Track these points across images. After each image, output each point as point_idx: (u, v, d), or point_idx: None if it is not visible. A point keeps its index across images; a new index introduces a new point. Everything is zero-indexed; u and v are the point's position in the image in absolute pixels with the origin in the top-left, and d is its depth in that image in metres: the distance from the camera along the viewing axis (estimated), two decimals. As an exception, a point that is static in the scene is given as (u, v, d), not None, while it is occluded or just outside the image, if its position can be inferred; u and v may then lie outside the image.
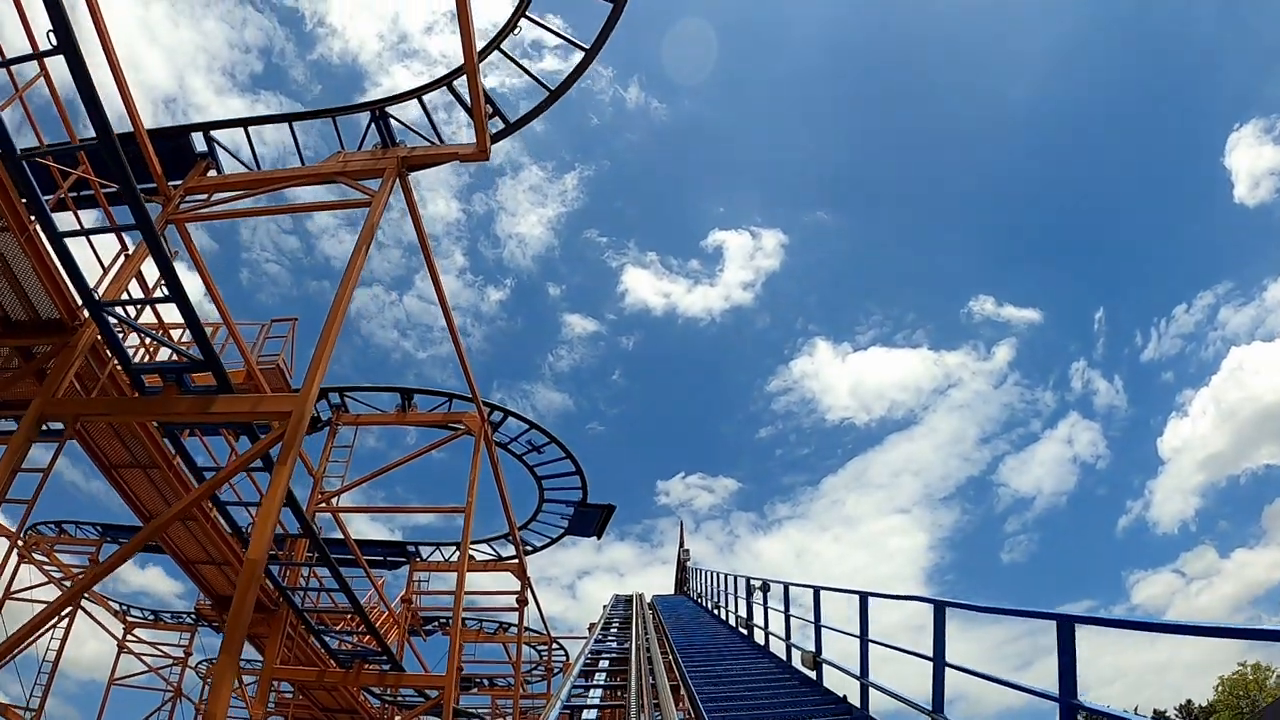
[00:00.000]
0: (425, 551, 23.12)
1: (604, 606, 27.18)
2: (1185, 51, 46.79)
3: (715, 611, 19.31)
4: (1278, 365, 40.40)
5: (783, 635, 11.31)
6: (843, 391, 51.31)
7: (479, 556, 22.74)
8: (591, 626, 25.68)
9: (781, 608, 11.63)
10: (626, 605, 25.75)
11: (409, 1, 58.92)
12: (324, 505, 16.44)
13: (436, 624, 30.22)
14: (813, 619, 9.50)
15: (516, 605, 21.65)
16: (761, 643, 12.90)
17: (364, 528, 22.02)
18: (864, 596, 7.84)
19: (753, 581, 13.94)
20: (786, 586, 11.96)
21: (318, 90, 50.36)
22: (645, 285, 52.26)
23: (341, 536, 17.47)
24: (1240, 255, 47.08)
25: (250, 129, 12.29)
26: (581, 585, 47.29)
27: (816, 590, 9.62)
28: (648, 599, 28.55)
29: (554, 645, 29.70)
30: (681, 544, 31.78)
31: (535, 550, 21.94)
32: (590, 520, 19.64)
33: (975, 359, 46.08)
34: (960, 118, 54.45)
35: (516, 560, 21.66)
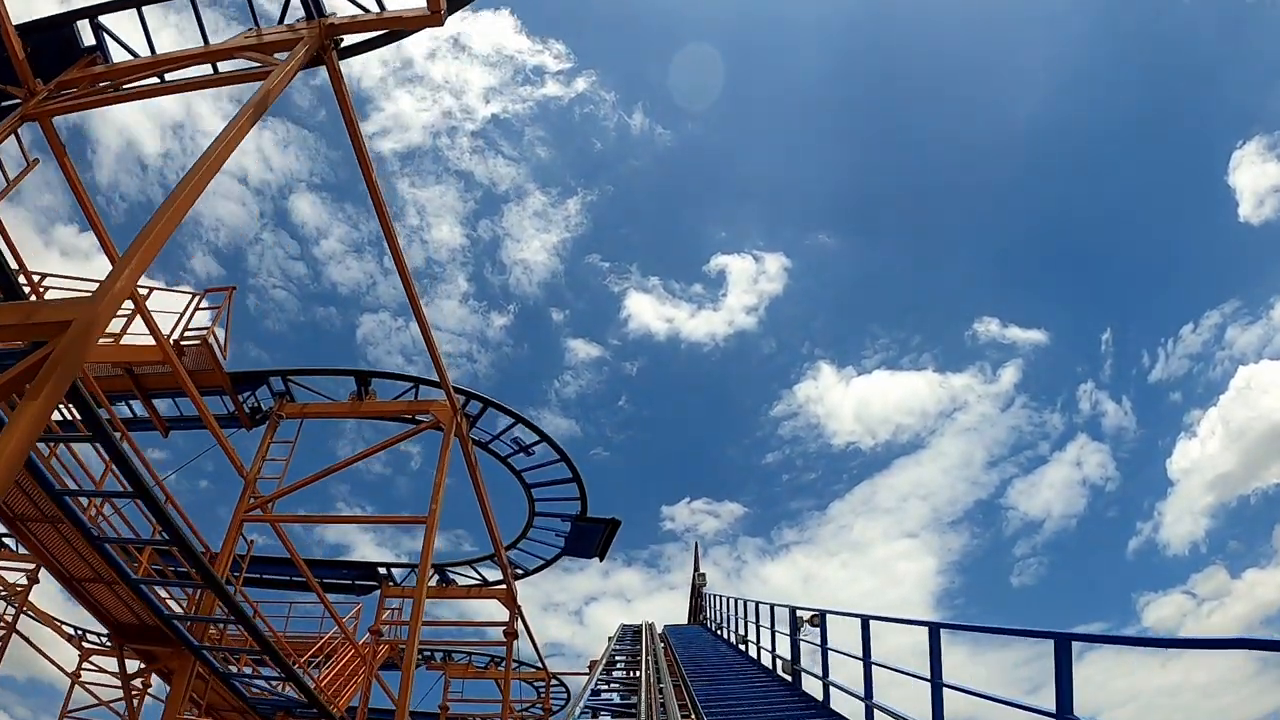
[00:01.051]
0: (399, 574, 19.77)
1: (609, 639, 23.75)
2: (1188, 68, 47.15)
3: (741, 648, 15.88)
4: None
5: (843, 684, 8.13)
6: (847, 416, 53.60)
7: (462, 581, 19.39)
8: (592, 665, 22.23)
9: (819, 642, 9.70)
10: (635, 638, 22.27)
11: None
12: (258, 512, 13.19)
13: (422, 658, 26.77)
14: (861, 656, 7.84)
15: (505, 638, 18.28)
16: (819, 699, 9.50)
17: (336, 546, 18.82)
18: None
19: (800, 613, 10.58)
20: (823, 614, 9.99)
21: (326, 116, 48.36)
22: (648, 310, 51.69)
23: (288, 555, 14.17)
24: (1246, 274, 48.25)
25: (145, 9, 9.26)
26: (589, 611, 47.10)
27: (865, 620, 8.02)
28: (658, 629, 25.07)
29: (553, 681, 26.22)
30: (696, 568, 28.28)
31: (527, 574, 18.60)
32: (591, 538, 16.35)
33: (981, 381, 48.35)
34: (962, 137, 53.65)
35: (504, 586, 18.33)
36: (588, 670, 22.97)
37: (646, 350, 52.61)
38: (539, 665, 24.90)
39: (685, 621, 29.83)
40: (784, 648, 11.63)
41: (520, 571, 18.46)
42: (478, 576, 19.08)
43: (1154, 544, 44.62)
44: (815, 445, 51.49)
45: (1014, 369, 47.55)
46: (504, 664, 26.46)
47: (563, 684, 27.11)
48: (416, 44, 56.20)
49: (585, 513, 15.86)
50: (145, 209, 46.03)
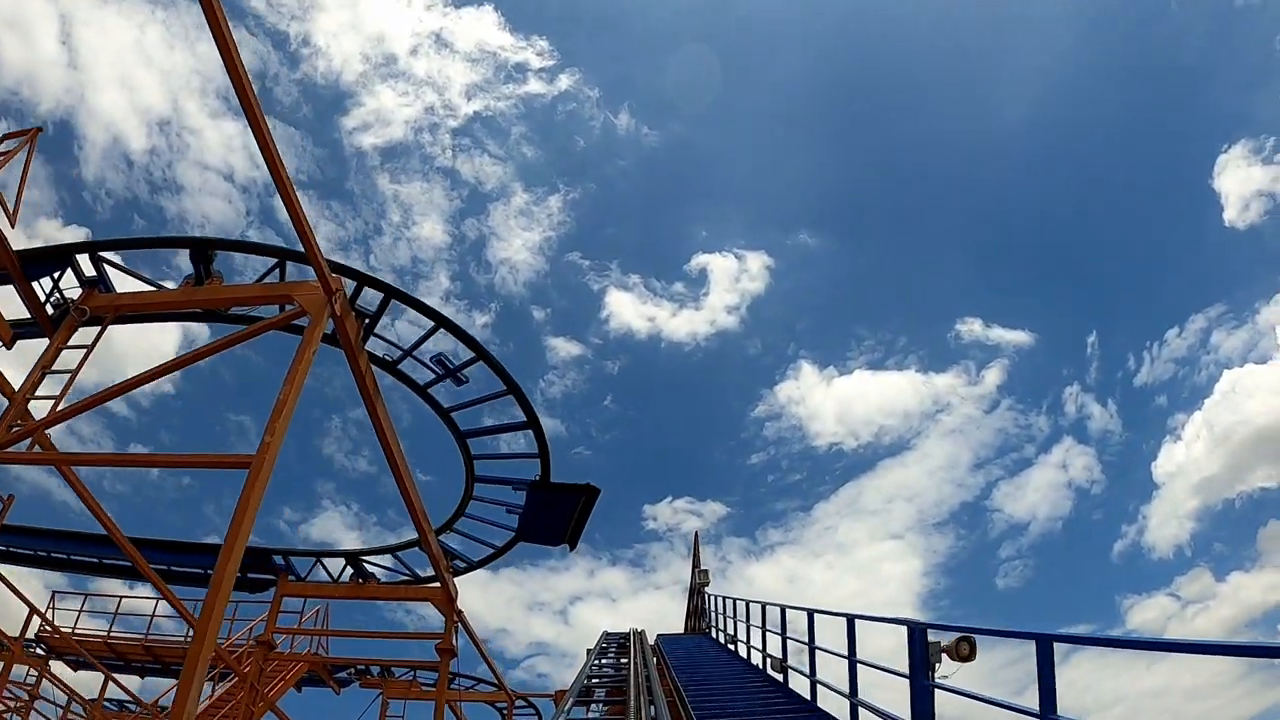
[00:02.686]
0: (303, 566, 14.59)
1: (587, 651, 18.73)
2: (1174, 71, 46.83)
3: (777, 676, 10.83)
4: (1271, 388, 40.19)
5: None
6: (829, 417, 52.69)
7: (381, 576, 14.25)
8: (559, 696, 17.12)
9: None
10: (619, 652, 17.22)
11: (393, 23, 56.58)
12: (21, 448, 8.06)
13: (352, 672, 21.58)
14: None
15: (438, 655, 13.13)
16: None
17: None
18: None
19: (937, 640, 5.62)
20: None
21: (308, 111, 47.47)
22: (629, 308, 53.57)
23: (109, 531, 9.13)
24: (1232, 278, 48.13)
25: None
26: (574, 611, 45.79)
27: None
28: (650, 638, 20.00)
29: (518, 704, 21.12)
30: (696, 564, 23.20)
31: (471, 567, 13.48)
32: (557, 515, 11.22)
33: (965, 383, 47.58)
34: (947, 138, 53.21)
35: (439, 585, 13.18)
36: (554, 698, 17.93)
37: (628, 349, 51.53)
38: (501, 684, 19.77)
39: (682, 630, 24.78)
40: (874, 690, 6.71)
41: (459, 565, 13.37)
42: (406, 571, 14.01)
43: (1139, 547, 44.37)
44: (800, 446, 51.09)
45: (998, 370, 47.45)
46: (453, 682, 21.45)
47: (532, 706, 22.05)
48: (399, 39, 55.53)
49: (547, 477, 10.78)
50: (131, 205, 43.97)
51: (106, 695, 16.46)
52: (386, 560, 14.08)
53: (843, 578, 47.86)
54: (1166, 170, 48.83)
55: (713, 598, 19.61)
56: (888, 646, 7.47)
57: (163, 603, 18.77)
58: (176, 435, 45.73)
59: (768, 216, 56.64)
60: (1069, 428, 46.27)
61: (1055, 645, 4.45)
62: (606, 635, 20.72)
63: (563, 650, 47.14)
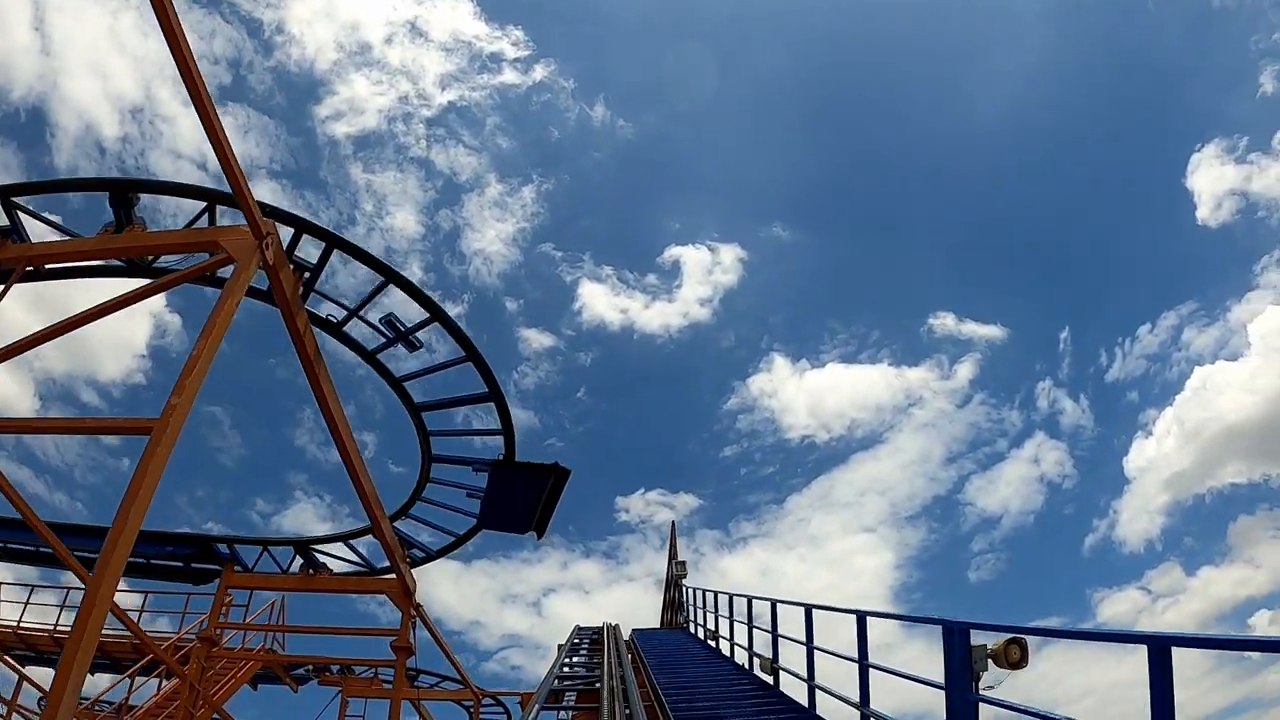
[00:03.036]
0: (251, 555, 13.41)
1: (558, 647, 17.74)
2: (1149, 72, 47.87)
3: (766, 679, 9.88)
4: (1242, 385, 41.55)
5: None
6: (801, 410, 52.62)
7: (336, 566, 13.12)
8: (526, 699, 16.08)
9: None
10: (592, 649, 16.22)
11: (367, 11, 56.21)
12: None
13: (310, 669, 20.39)
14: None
15: (393, 652, 12.04)
16: None
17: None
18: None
19: (981, 643, 4.64)
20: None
21: (281, 100, 46.71)
22: (601, 300, 53.47)
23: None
24: (1204, 276, 49.38)
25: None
26: (547, 603, 45.36)
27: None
28: (624, 633, 19.02)
29: (485, 702, 20.03)
30: (673, 556, 22.23)
31: (429, 558, 12.39)
32: (523, 499, 10.15)
33: (937, 377, 47.69)
34: (922, 134, 53.27)
35: (394, 576, 12.09)
36: (520, 700, 16.88)
37: (600, 341, 51.15)
38: (466, 682, 18.67)
39: (658, 624, 23.85)
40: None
41: (417, 554, 12.27)
42: (360, 561, 12.90)
43: (1110, 541, 44.91)
44: (772, 439, 51.10)
45: (970, 364, 47.20)
46: (417, 679, 20.34)
47: (501, 705, 20.97)
48: (373, 27, 55.34)
49: (511, 456, 9.72)
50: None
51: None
52: (346, 550, 12.95)
53: (815, 570, 48.18)
54: (1141, 168, 49.35)
55: (691, 591, 18.66)
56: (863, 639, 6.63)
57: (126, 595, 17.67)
58: (148, 426, 43.47)
59: (741, 209, 56.53)
60: (1041, 422, 46.93)
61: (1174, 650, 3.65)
62: (579, 630, 19.73)
63: (536, 642, 46.93)
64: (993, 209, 52.72)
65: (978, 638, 4.80)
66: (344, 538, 12.51)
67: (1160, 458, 44.56)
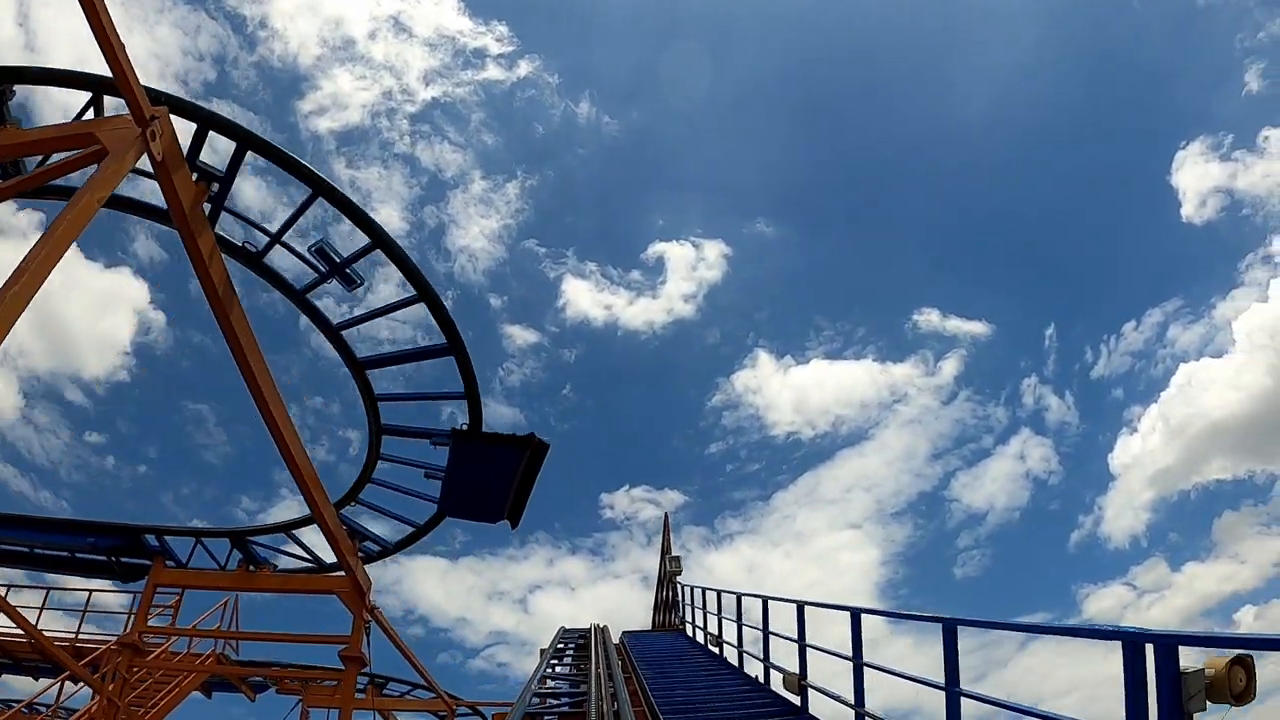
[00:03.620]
0: (181, 547, 11.51)
1: (541, 651, 15.94)
2: (1134, 69, 47.29)
3: (797, 700, 8.08)
4: (1226, 381, 41.16)
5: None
6: (786, 406, 52.08)
7: (284, 563, 11.26)
8: None
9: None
10: (578, 656, 14.43)
11: (351, 6, 53.33)
12: None
13: (269, 679, 18.49)
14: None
15: (342, 663, 10.19)
16: None
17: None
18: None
19: (1197, 668, 2.84)
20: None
21: (265, 95, 45.64)
22: (585, 296, 51.68)
23: None
24: (1189, 273, 48.84)
25: None
26: (533, 600, 44.23)
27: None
28: (614, 634, 17.22)
29: (459, 711, 18.19)
30: (667, 550, 20.41)
31: (385, 552, 10.52)
32: (493, 479, 8.27)
33: (922, 374, 47.40)
34: (907, 130, 52.63)
35: (344, 574, 10.22)
36: None
37: (584, 337, 49.94)
38: (438, 692, 16.86)
39: (649, 625, 22.04)
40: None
41: (371, 549, 10.42)
42: (307, 556, 11.04)
43: (1096, 537, 43.92)
44: (758, 436, 49.90)
45: (955, 360, 46.50)
46: (385, 688, 18.50)
47: (479, 715, 19.15)
48: (357, 22, 52.39)
49: (478, 425, 7.86)
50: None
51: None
52: (300, 543, 11.09)
53: (802, 567, 46.97)
54: (1125, 165, 48.88)
55: (689, 590, 16.87)
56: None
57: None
58: (133, 424, 43.03)
59: (725, 205, 55.80)
60: (1027, 419, 46.23)
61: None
62: (563, 633, 17.92)
63: (522, 639, 45.43)
64: (977, 206, 52.36)
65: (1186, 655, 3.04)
66: (285, 528, 10.65)
67: (1145, 454, 43.58)
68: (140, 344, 42.01)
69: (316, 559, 11.14)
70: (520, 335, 48.28)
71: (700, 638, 14.41)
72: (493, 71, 47.39)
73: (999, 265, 52.92)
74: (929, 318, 46.79)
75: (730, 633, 11.62)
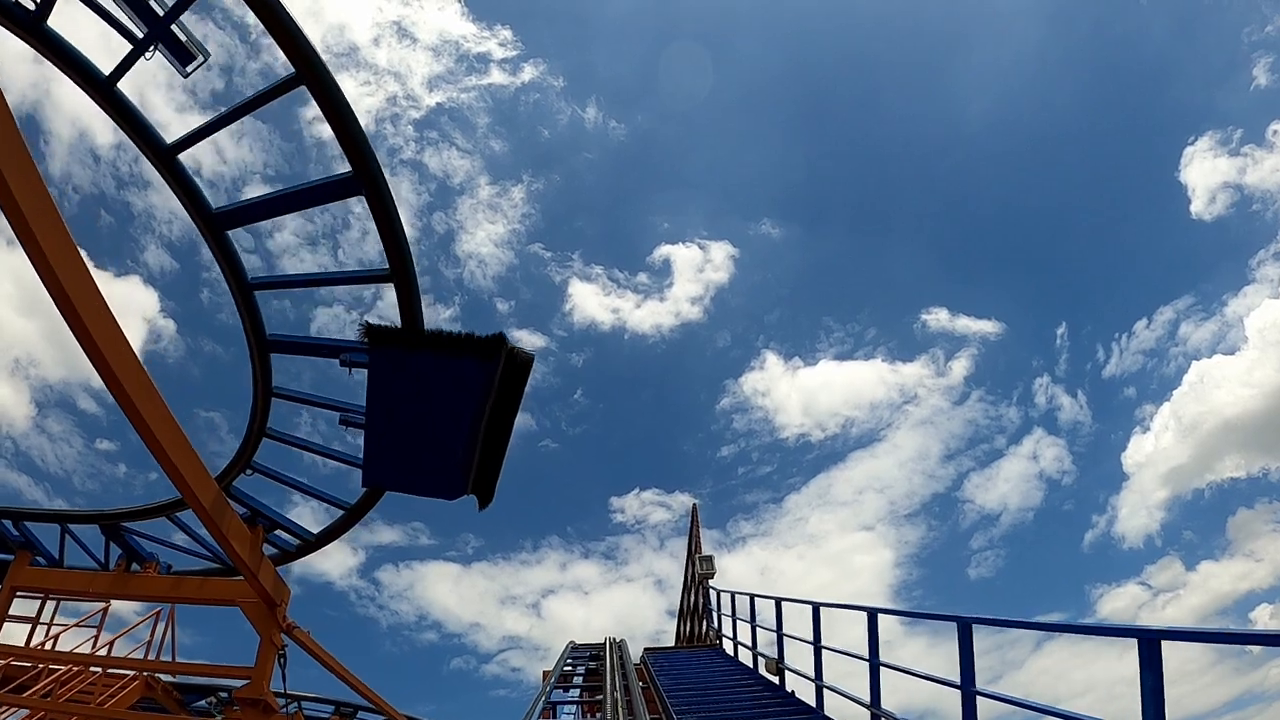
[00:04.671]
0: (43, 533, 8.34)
1: (544, 675, 12.80)
2: (1141, 65, 47.52)
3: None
4: (1239, 378, 40.76)
5: None
6: (795, 409, 51.92)
7: (185, 561, 8.06)
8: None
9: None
10: (590, 684, 11.17)
11: (354, 12, 53.44)
12: None
13: (214, 701, 15.30)
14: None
15: (238, 705, 6.96)
16: None
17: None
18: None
19: None
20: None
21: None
22: (591, 300, 51.45)
23: None
24: (1200, 270, 48.76)
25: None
26: (546, 604, 44.21)
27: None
28: (632, 650, 13.95)
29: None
30: (695, 549, 17.06)
31: (306, 549, 7.22)
32: (444, 419, 5.06)
33: (932, 374, 47.52)
34: (913, 129, 52.72)
35: (241, 579, 6.95)
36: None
37: (592, 341, 50.29)
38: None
39: (674, 638, 18.70)
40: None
41: (293, 541, 7.17)
42: (206, 551, 7.84)
43: (1110, 537, 44.37)
44: (769, 438, 50.33)
45: (966, 360, 47.02)
46: (340, 711, 15.29)
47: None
48: (360, 28, 52.27)
49: (413, 320, 4.65)
50: (97, 200, 41.44)
51: None
52: (196, 533, 7.84)
53: (815, 569, 47.53)
54: (1134, 162, 49.12)
55: (724, 596, 13.56)
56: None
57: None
58: (145, 432, 42.81)
59: (731, 206, 56.02)
60: (1039, 419, 46.53)
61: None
62: (573, 650, 14.67)
63: (535, 644, 44.57)
64: (984, 203, 52.61)
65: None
66: (167, 510, 7.39)
67: (1158, 453, 43.78)
68: (151, 352, 41.85)
69: (218, 556, 7.91)
70: (528, 340, 48.66)
71: (746, 659, 11.08)
72: (497, 76, 47.83)
73: (1008, 264, 53.41)
74: (938, 317, 46.97)
75: (797, 658, 8.38)
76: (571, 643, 14.71)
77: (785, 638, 9.15)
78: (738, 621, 11.91)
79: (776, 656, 9.12)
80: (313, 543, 7.28)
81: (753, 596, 10.69)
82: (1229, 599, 39.18)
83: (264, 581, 6.95)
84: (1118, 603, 41.15)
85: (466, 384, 4.83)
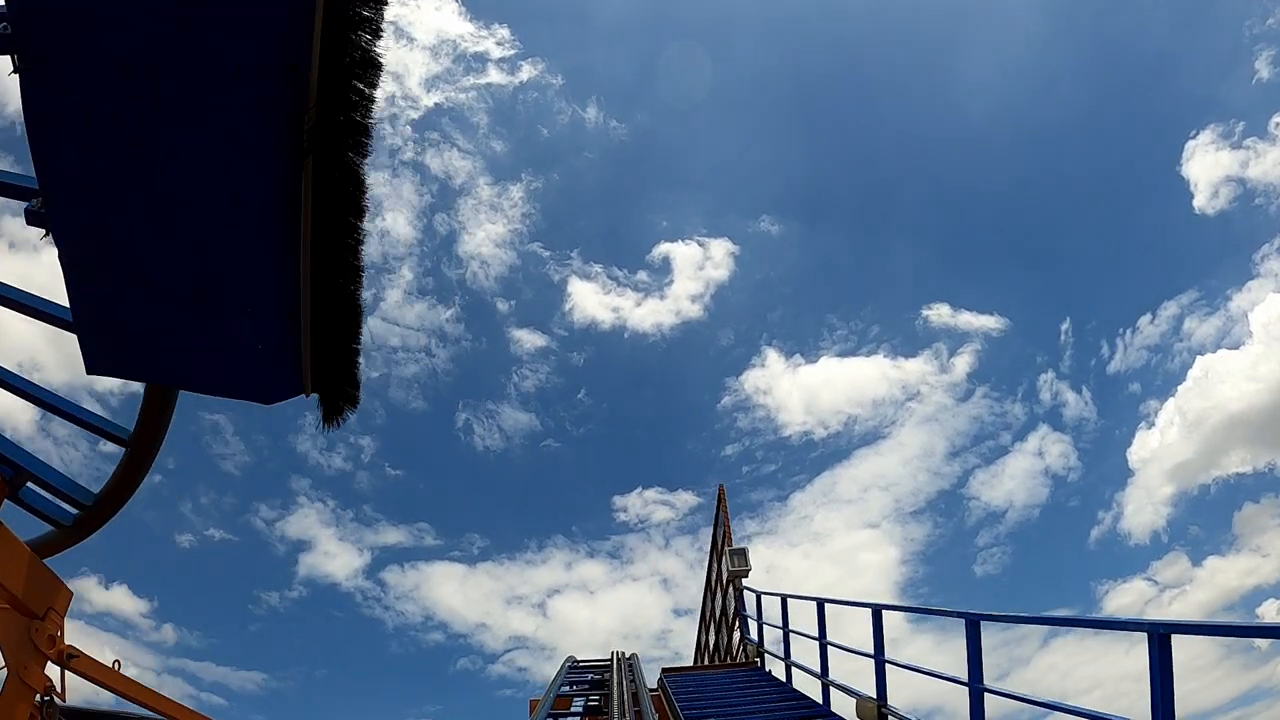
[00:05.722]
0: None
1: (531, 705, 9.83)
2: (1141, 58, 46.94)
3: None
4: (1244, 373, 39.93)
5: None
6: (797, 406, 51.12)
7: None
8: None
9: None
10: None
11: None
12: None
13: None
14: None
15: None
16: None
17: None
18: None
19: None
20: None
21: None
22: (591, 299, 49.96)
23: None
24: (1203, 264, 49.00)
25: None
26: (552, 604, 43.48)
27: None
28: (645, 673, 10.88)
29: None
30: (726, 542, 13.93)
31: (95, 519, 4.34)
32: (232, 195, 2.18)
33: (935, 370, 46.55)
34: (912, 124, 52.58)
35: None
36: None
37: (592, 340, 49.14)
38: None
39: (693, 651, 15.61)
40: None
41: (71, 510, 4.26)
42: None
43: (1116, 533, 42.97)
44: (773, 437, 49.52)
45: (969, 356, 46.06)
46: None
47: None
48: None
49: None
50: None
51: None
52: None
53: (820, 567, 46.19)
54: (1135, 156, 48.53)
55: (769, 601, 10.44)
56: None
57: None
58: (150, 433, 43.82)
59: (730, 203, 55.98)
60: (1045, 415, 45.75)
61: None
62: (572, 666, 11.64)
63: (541, 644, 43.77)
64: (985, 198, 52.03)
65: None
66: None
67: (1163, 448, 42.97)
68: (154, 355, 41.70)
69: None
70: (528, 339, 48.01)
71: (803, 684, 7.96)
72: (495, 76, 47.14)
73: (1010, 259, 53.51)
74: (940, 313, 46.16)
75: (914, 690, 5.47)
76: (570, 659, 11.71)
77: (887, 664, 6.09)
78: (792, 635, 8.81)
79: (876, 697, 6.00)
80: (99, 507, 4.25)
81: (821, 602, 7.59)
82: (1236, 594, 38.57)
83: (7, 579, 3.93)
84: (1124, 599, 40.76)
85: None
